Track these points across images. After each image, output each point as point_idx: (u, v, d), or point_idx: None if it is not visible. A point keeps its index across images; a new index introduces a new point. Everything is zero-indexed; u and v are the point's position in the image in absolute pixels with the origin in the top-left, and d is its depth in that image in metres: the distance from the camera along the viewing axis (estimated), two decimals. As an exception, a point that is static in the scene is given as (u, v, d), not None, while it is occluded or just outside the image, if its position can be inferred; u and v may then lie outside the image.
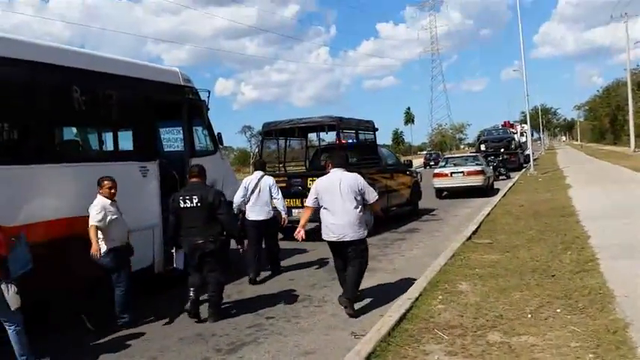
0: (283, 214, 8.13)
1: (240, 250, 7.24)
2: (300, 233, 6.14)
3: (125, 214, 6.46)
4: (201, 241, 5.88)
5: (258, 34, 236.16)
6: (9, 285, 4.50)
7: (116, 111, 6.88)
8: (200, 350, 5.16)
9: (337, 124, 10.68)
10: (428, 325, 5.16)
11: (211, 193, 6.02)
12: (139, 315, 6.19)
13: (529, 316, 5.27)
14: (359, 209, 5.97)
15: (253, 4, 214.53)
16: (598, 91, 79.33)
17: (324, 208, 6.03)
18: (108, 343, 5.50)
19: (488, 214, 12.62)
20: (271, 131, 11.39)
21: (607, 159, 34.71)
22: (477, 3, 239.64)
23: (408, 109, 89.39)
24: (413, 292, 6.16)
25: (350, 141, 11.67)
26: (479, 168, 18.31)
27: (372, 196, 6.10)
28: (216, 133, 8.71)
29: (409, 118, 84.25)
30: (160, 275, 7.32)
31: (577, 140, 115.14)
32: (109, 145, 7.03)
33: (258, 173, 8.22)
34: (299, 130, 11.18)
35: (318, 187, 6.14)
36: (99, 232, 5.69)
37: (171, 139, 8.96)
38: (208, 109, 8.38)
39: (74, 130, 6.95)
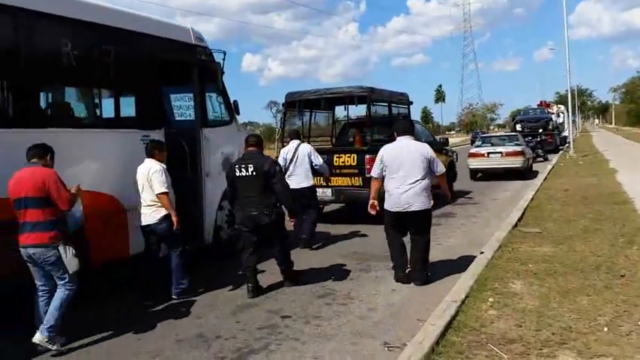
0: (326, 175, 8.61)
1: (292, 223, 6.88)
2: (373, 206, 6.02)
3: (122, 191, 5.65)
4: (255, 213, 5.69)
5: (286, 8, 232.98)
6: (67, 247, 4.33)
7: (114, 70, 5.94)
8: (199, 357, 4.26)
9: (368, 95, 9.57)
10: (479, 338, 4.15)
11: (267, 162, 5.78)
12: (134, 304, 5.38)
13: (605, 329, 4.24)
14: (427, 179, 5.86)
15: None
16: (639, 72, 75.70)
17: (391, 178, 5.89)
18: (91, 343, 4.63)
19: (532, 199, 11.46)
20: (295, 102, 10.33)
21: (650, 143, 32.90)
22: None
23: (440, 86, 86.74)
24: (458, 292, 5.14)
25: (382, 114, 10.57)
26: (519, 149, 16.99)
27: (439, 167, 6.03)
28: (232, 101, 7.74)
29: (440, 97, 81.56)
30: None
31: (611, 123, 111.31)
32: (105, 111, 6.09)
33: (295, 142, 8.27)
34: (325, 101, 10.05)
35: (385, 155, 5.98)
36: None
37: (181, 106, 8.01)
38: (223, 73, 7.38)
39: (64, 91, 6.00)
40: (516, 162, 16.67)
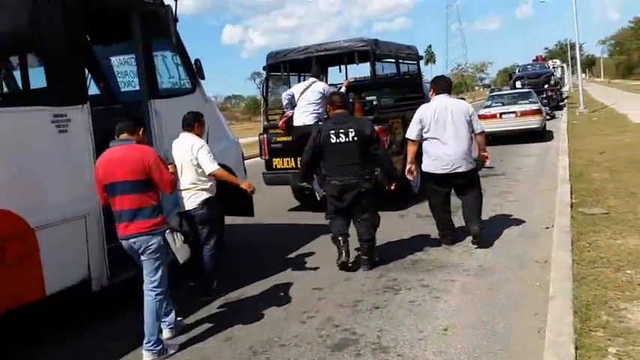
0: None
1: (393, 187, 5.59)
2: (411, 170, 5.86)
3: (26, 201, 3.87)
4: (355, 180, 5.12)
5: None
6: (175, 234, 3.92)
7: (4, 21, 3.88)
8: None
9: (371, 50, 7.45)
10: None
11: (367, 126, 5.22)
12: None
13: None
14: (470, 138, 5.69)
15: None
16: (630, 21, 73.80)
17: (432, 139, 5.67)
18: None
19: (569, 165, 9.55)
20: (279, 64, 8.20)
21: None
22: None
23: (429, 47, 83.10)
24: (557, 341, 3.21)
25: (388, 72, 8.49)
26: (535, 107, 14.99)
27: (479, 126, 5.82)
28: (192, 61, 5.67)
29: (430, 58, 78.27)
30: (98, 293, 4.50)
31: (599, 77, 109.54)
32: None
33: (311, 79, 7.28)
34: (317, 61, 7.98)
35: (424, 115, 5.72)
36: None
37: (121, 72, 5.93)
38: (177, 21, 5.29)
39: None
40: (533, 122, 14.72)
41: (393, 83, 8.55)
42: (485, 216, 6.85)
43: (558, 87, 30.75)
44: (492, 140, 15.06)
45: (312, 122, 6.99)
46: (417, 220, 7.19)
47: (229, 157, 6.11)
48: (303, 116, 7.18)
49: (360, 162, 5.11)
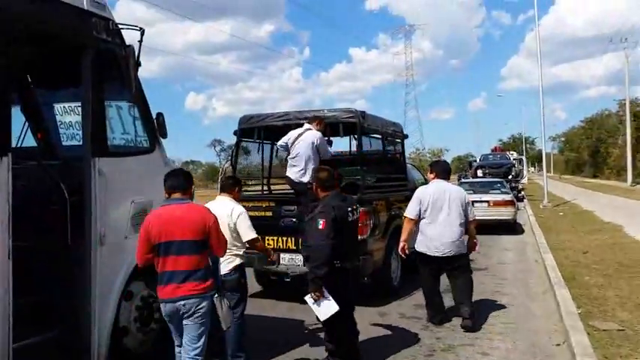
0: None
1: None
2: (404, 248, 5.90)
3: None
4: (357, 263, 4.84)
5: (231, 50, 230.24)
6: (222, 299, 3.89)
7: None
8: None
9: (358, 122, 6.67)
10: None
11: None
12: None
13: None
14: (464, 224, 5.84)
15: (227, 22, 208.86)
16: (582, 121, 77.73)
17: (430, 222, 5.80)
18: None
19: (557, 265, 8.79)
20: (252, 129, 7.31)
21: (610, 192, 31.76)
22: (448, 34, 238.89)
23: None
24: None
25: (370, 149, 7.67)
26: (508, 197, 14.52)
27: (472, 213, 6.01)
28: (154, 116, 4.68)
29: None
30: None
31: (549, 172, 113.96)
32: None
33: (306, 126, 6.54)
34: (295, 129, 7.12)
35: (423, 196, 5.87)
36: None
37: (70, 124, 4.86)
38: (138, 66, 4.34)
39: None
40: (506, 213, 14.19)
41: (377, 161, 7.71)
42: (480, 322, 5.88)
43: (518, 178, 31.07)
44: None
45: (308, 180, 6.22)
46: (400, 320, 6.16)
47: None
48: (299, 174, 6.43)
49: (357, 243, 4.95)
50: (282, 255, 6.59)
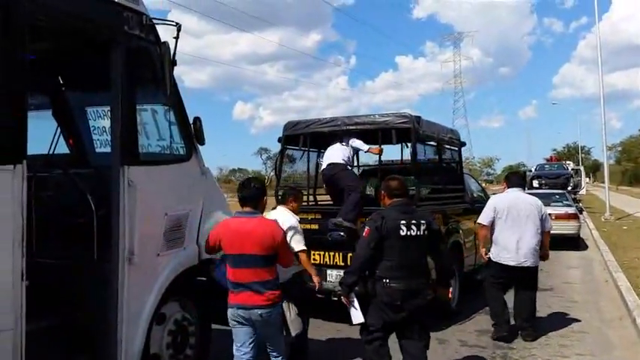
0: None
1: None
2: (483, 254, 6.04)
3: None
4: (421, 286, 4.02)
5: (278, 60, 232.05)
6: (290, 305, 4.12)
7: None
8: None
9: (413, 128, 6.11)
10: None
11: (434, 219, 4.33)
12: None
13: None
14: (539, 234, 5.75)
15: (275, 32, 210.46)
16: (640, 131, 74.34)
17: (504, 229, 5.71)
18: None
19: (636, 286, 7.92)
20: (298, 136, 6.87)
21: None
22: (498, 42, 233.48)
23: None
24: None
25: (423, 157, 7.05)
26: (572, 210, 13.52)
27: (549, 224, 5.91)
28: (190, 120, 4.26)
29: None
30: None
31: (603, 182, 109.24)
32: None
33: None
34: (345, 136, 6.63)
35: (498, 204, 5.82)
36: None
37: (104, 129, 4.50)
38: (174, 65, 3.92)
39: None
40: (570, 227, 13.20)
41: (432, 170, 7.11)
42: (554, 349, 5.19)
43: (577, 190, 29.54)
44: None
45: (339, 161, 6.37)
46: (463, 349, 5.52)
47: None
48: (330, 159, 6.46)
49: (425, 263, 4.19)
50: (328, 271, 6.11)
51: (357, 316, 4.12)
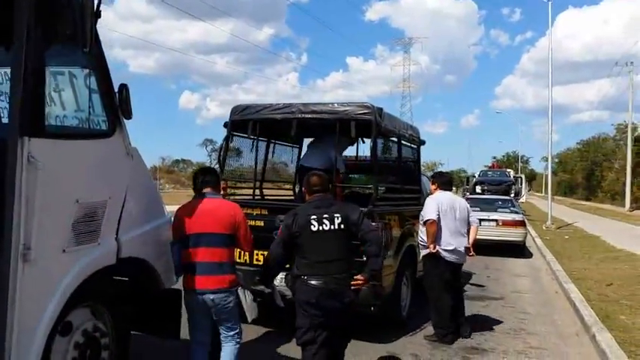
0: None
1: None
2: (434, 248, 5.77)
3: None
4: (335, 286, 3.79)
5: (229, 51, 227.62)
6: (246, 291, 3.98)
7: None
8: None
9: (374, 120, 5.49)
10: None
11: (355, 210, 4.03)
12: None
13: None
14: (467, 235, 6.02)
15: (227, 22, 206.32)
16: (578, 143, 77.65)
17: (445, 227, 5.80)
18: None
19: (586, 300, 7.70)
20: (246, 122, 6.15)
21: (609, 216, 30.95)
22: (446, 50, 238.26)
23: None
24: None
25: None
26: (519, 217, 13.41)
27: (475, 219, 6.18)
28: (115, 89, 3.52)
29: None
30: None
31: (539, 192, 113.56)
32: None
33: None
34: (299, 125, 6.03)
35: (441, 202, 5.85)
36: None
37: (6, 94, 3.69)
38: (97, 17, 3.18)
39: None
40: (516, 234, 13.09)
41: (391, 169, 6.58)
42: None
43: (517, 197, 30.08)
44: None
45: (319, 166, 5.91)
46: (415, 365, 5.02)
47: (159, 244, 3.94)
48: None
49: (345, 259, 3.93)
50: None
51: (277, 298, 4.27)
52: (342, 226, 3.85)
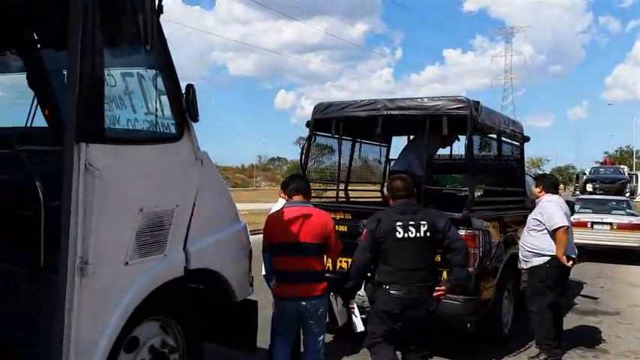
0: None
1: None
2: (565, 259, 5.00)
3: None
4: (423, 294, 3.74)
5: (323, 50, 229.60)
6: (337, 296, 4.03)
7: None
8: None
9: (470, 115, 4.88)
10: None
11: (441, 218, 3.91)
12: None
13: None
14: None
15: (321, 21, 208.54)
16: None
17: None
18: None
19: None
20: (329, 121, 5.77)
21: None
22: (550, 39, 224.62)
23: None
24: None
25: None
26: (636, 220, 12.03)
27: None
28: (182, 90, 3.27)
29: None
30: None
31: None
32: None
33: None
34: (385, 123, 5.62)
35: (562, 206, 5.26)
36: None
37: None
38: (160, 12, 2.94)
39: None
40: (633, 239, 11.71)
41: (490, 169, 5.94)
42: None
43: (633, 197, 27.49)
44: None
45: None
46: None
47: (232, 254, 3.69)
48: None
49: (429, 267, 3.86)
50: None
51: (358, 323, 4.06)
52: (429, 234, 3.77)
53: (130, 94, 3.07)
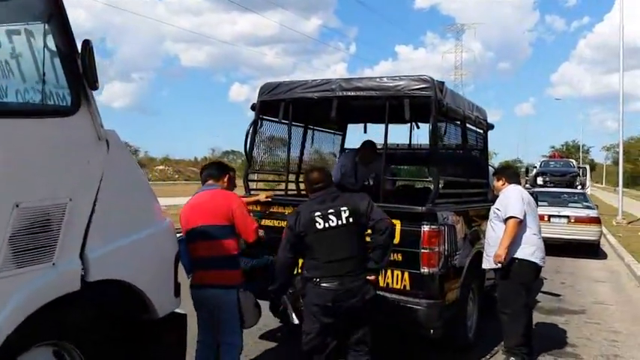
0: None
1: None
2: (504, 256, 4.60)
3: None
4: (356, 283, 3.51)
5: (277, 43, 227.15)
6: (247, 293, 3.72)
7: None
8: None
9: (434, 97, 4.29)
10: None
11: (363, 200, 3.66)
12: None
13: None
14: None
15: (276, 13, 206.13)
16: (645, 132, 73.34)
17: (528, 226, 4.73)
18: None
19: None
20: (277, 103, 5.09)
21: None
22: (499, 36, 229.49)
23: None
24: None
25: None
26: (593, 214, 11.88)
27: None
28: (76, 49, 2.54)
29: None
30: None
31: (599, 183, 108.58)
32: None
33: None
34: (341, 105, 4.90)
35: (524, 197, 4.83)
36: None
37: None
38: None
39: None
40: (590, 233, 11.55)
41: (454, 158, 5.41)
42: None
43: (583, 189, 27.96)
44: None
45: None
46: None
47: (150, 260, 2.98)
48: None
49: (360, 255, 3.60)
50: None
51: (294, 316, 3.90)
52: (351, 219, 3.53)
53: (7, 51, 2.32)
